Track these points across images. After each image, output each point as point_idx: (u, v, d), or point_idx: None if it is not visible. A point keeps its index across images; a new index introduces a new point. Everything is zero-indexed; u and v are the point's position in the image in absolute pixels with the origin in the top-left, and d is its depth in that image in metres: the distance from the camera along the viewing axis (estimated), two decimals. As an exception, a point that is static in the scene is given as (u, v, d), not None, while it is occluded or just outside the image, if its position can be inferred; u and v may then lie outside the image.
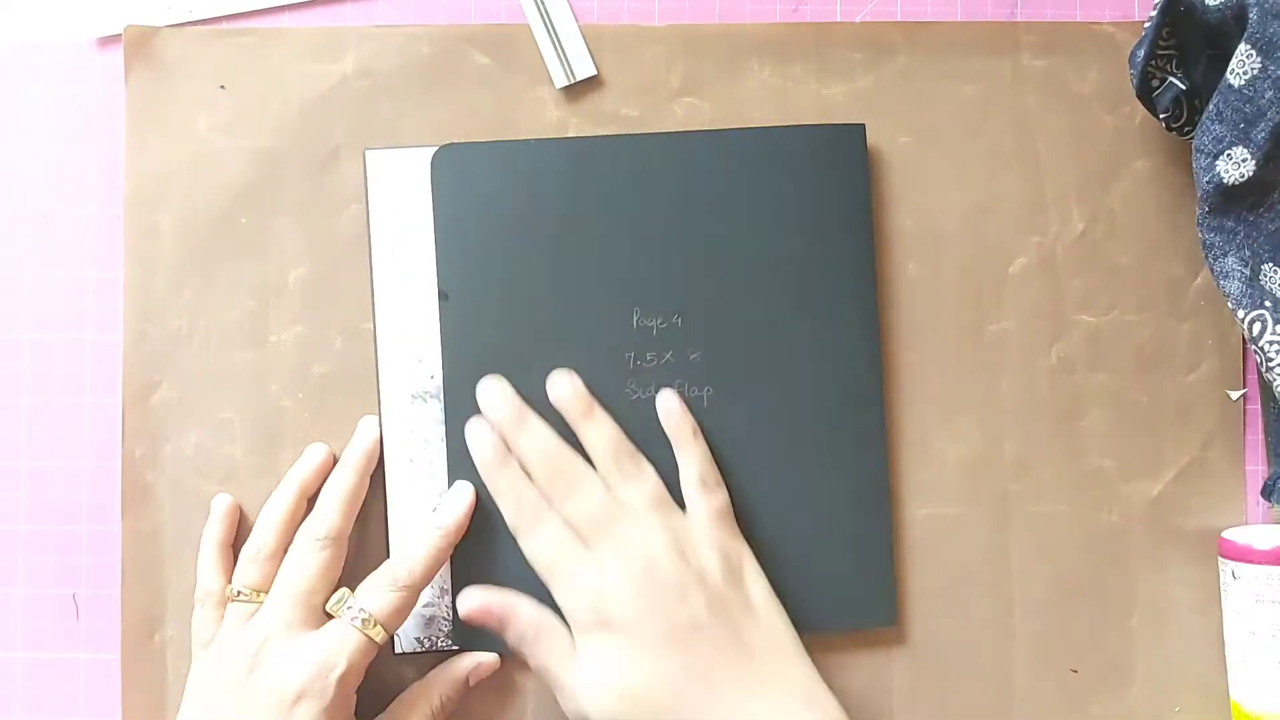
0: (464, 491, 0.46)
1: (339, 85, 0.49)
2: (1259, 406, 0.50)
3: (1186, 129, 0.48)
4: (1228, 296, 0.46)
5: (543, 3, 0.42)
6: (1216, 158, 0.45)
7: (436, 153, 0.48)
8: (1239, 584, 0.47)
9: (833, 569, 0.47)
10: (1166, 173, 0.50)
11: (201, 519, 0.47)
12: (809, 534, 0.47)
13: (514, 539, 0.45)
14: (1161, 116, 0.47)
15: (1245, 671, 0.47)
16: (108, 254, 0.49)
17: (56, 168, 0.49)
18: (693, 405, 0.47)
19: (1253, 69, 0.44)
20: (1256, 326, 0.45)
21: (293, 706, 0.41)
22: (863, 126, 0.48)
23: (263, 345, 0.48)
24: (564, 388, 0.47)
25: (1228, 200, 0.46)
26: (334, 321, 0.48)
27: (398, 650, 0.47)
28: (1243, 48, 0.44)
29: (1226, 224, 0.46)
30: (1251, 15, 0.43)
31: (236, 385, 0.48)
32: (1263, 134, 0.44)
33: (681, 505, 0.46)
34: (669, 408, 0.47)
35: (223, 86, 0.49)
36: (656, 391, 0.47)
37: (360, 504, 0.46)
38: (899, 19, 0.50)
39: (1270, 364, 0.45)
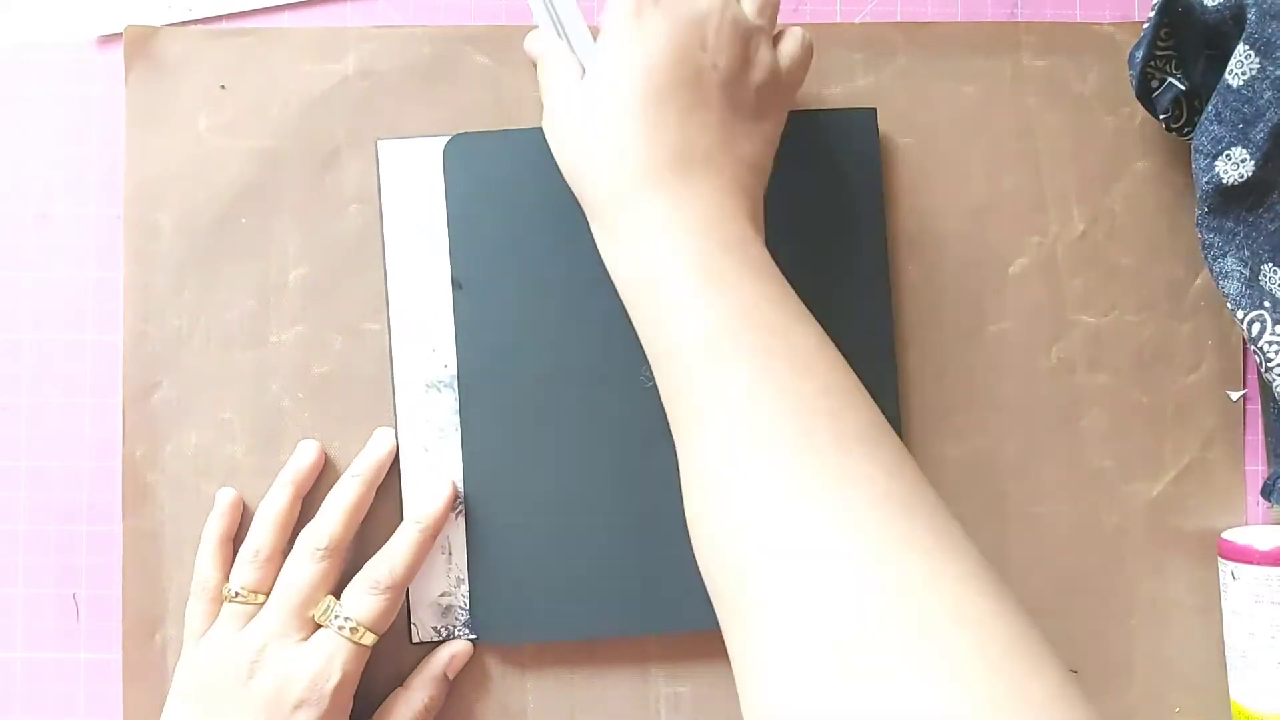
0: (442, 487, 0.47)
1: (339, 85, 0.49)
2: (1259, 407, 0.50)
3: (1186, 130, 0.48)
4: (1227, 297, 0.46)
5: (552, 4, 0.42)
6: (1216, 158, 0.45)
7: (449, 142, 0.48)
8: (1239, 584, 0.47)
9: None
10: (1167, 173, 0.50)
11: (202, 519, 0.47)
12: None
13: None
14: (1161, 117, 0.48)
15: (1245, 671, 0.47)
16: (108, 254, 0.49)
17: (56, 168, 0.49)
18: None
19: (1251, 69, 0.44)
20: (1256, 327, 0.45)
21: (291, 714, 0.42)
22: (874, 111, 0.48)
23: (263, 345, 0.48)
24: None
25: (1227, 201, 0.46)
26: (334, 321, 0.48)
27: (415, 639, 0.47)
28: (1241, 48, 0.44)
29: (1226, 224, 0.46)
30: (1250, 16, 0.43)
31: (237, 385, 0.48)
32: (1261, 134, 0.44)
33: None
34: None
35: (223, 86, 0.49)
36: None
37: (363, 515, 0.46)
38: (899, 19, 0.50)
39: (1270, 364, 0.45)
